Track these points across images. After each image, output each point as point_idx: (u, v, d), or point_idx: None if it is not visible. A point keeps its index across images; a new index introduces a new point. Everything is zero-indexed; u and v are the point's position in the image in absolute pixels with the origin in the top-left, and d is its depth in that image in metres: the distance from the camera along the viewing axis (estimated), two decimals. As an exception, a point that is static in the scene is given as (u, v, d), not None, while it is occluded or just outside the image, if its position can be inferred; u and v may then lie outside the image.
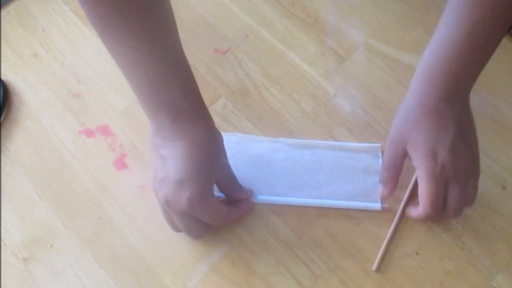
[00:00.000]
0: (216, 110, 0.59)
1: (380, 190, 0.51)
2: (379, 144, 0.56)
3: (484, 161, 0.55)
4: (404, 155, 0.48)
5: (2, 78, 0.61)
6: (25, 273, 0.52)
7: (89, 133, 0.58)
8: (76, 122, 0.59)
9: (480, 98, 0.58)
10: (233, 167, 0.51)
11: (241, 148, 0.56)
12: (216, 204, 0.48)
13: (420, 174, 0.47)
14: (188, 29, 0.63)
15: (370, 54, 0.61)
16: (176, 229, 0.49)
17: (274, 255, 0.51)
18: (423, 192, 0.46)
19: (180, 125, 0.45)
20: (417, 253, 0.51)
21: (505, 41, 0.60)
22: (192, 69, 0.47)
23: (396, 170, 0.50)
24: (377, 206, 0.52)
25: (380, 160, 0.55)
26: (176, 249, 0.52)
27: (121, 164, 0.56)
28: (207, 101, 0.58)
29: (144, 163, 0.56)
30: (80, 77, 0.61)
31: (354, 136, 0.57)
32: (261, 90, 0.60)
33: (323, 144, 0.56)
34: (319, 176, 0.54)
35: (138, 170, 0.56)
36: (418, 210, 0.48)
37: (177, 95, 0.45)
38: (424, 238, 0.52)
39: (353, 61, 0.61)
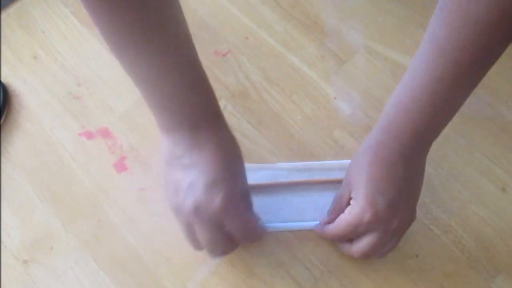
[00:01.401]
0: (216, 112, 0.59)
1: (317, 226, 0.51)
2: None
3: (484, 163, 0.55)
4: (348, 199, 0.47)
5: (2, 80, 0.61)
6: (25, 275, 0.52)
7: (89, 135, 0.58)
8: (76, 124, 0.59)
9: (480, 101, 0.58)
10: None
11: None
12: (247, 211, 0.46)
13: (353, 207, 0.45)
14: (188, 31, 0.63)
15: (370, 57, 0.61)
16: (198, 246, 0.47)
17: (274, 257, 0.51)
18: (346, 217, 0.46)
19: (203, 133, 0.44)
20: (417, 256, 0.51)
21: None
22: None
23: (338, 213, 0.48)
24: None
25: None
26: (176, 251, 0.52)
27: (121, 166, 0.56)
28: (207, 103, 0.59)
29: (144, 165, 0.56)
30: (80, 80, 0.61)
31: (354, 139, 0.57)
32: (261, 93, 0.60)
33: (320, 165, 0.55)
34: (322, 198, 0.53)
35: (138, 172, 0.56)
36: (330, 226, 0.49)
37: (202, 107, 0.44)
38: (424, 240, 0.52)
39: (353, 64, 0.61)
